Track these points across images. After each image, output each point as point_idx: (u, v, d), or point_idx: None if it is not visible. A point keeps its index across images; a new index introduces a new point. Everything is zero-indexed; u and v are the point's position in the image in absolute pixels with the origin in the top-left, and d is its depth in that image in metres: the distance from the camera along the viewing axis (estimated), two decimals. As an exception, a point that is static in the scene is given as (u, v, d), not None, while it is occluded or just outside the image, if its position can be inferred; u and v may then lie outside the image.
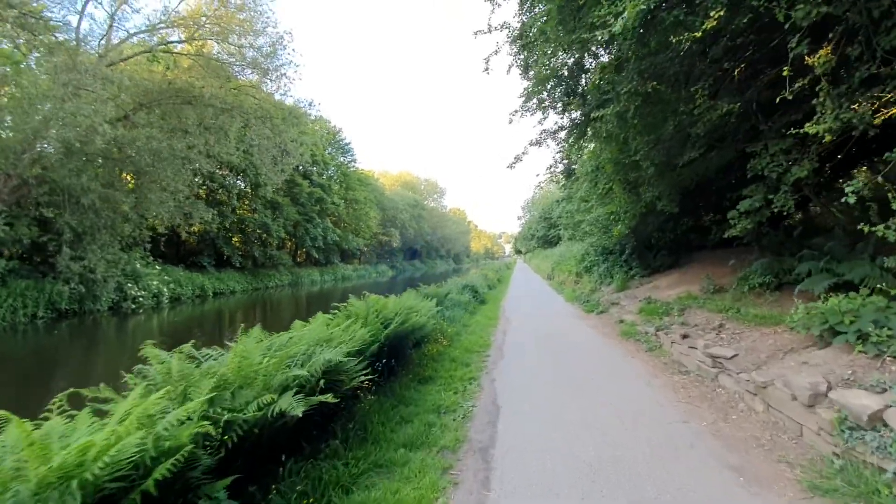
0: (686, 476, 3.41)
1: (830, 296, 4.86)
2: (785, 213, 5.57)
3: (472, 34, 8.13)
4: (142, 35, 21.86)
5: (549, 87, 8.98)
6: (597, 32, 4.59)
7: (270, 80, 23.53)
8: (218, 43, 23.01)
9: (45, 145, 17.49)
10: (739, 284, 7.84)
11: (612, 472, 3.53)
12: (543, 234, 49.18)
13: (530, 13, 8.05)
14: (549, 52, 7.33)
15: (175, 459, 2.24)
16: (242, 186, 34.57)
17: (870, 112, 3.83)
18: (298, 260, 46.00)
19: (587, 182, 13.44)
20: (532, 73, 8.86)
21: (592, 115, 6.62)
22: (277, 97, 25.01)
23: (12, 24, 15.88)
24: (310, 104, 33.10)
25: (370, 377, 4.55)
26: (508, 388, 5.87)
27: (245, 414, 2.85)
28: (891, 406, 3.11)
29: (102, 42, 21.15)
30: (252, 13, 22.55)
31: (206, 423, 2.50)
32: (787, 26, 3.94)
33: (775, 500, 3.05)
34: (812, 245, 6.99)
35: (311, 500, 3.02)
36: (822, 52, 3.90)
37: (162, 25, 21.94)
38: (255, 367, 3.11)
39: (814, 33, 4.03)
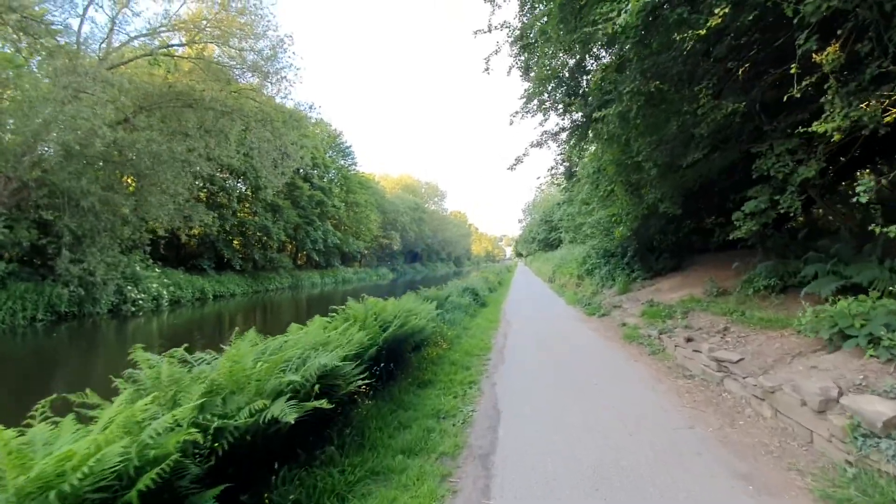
0: (693, 485, 3.30)
1: (839, 299, 4.75)
2: (791, 215, 5.46)
3: (472, 34, 8.07)
4: (143, 38, 21.88)
5: (549, 88, 8.91)
6: (599, 25, 4.49)
7: (271, 84, 23.55)
8: (219, 46, 23.02)
9: (46, 148, 17.48)
10: (744, 287, 7.73)
11: (615, 479, 3.42)
12: (544, 236, 49.03)
13: (531, 13, 7.98)
14: (549, 52, 7.25)
15: (160, 469, 2.14)
16: (243, 189, 34.57)
17: (880, 110, 3.73)
18: (299, 263, 45.94)
19: (588, 184, 13.35)
20: (533, 74, 8.79)
21: (594, 115, 6.53)
22: (278, 100, 25.02)
23: (14, 28, 15.92)
24: (310, 107, 33.20)
25: (368, 382, 4.44)
26: (509, 393, 5.76)
27: (236, 420, 2.75)
28: (906, 412, 3.00)
29: (103, 45, 21.17)
30: (253, 17, 22.59)
31: (194, 430, 2.40)
32: (795, 21, 3.84)
33: (786, 510, 2.95)
34: (818, 247, 6.89)
35: (304, 510, 2.92)
36: (830, 49, 3.81)
37: (163, 29, 21.97)
38: (248, 372, 3.01)
39: (822, 30, 3.94)
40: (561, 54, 7.38)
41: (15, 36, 16.39)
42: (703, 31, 4.21)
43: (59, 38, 17.64)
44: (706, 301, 8.48)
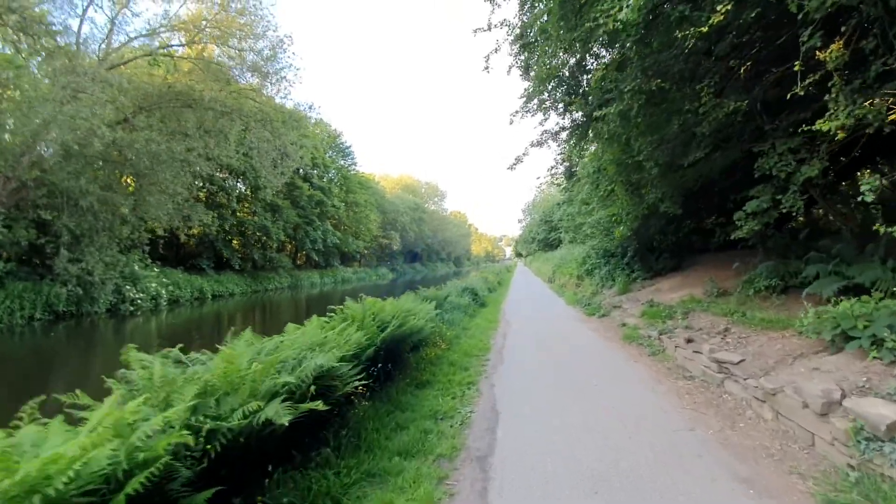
0: (693, 487, 3.25)
1: (841, 299, 4.70)
2: (794, 214, 5.41)
3: (472, 33, 8.02)
4: (142, 39, 21.89)
5: (550, 87, 8.87)
6: (601, 21, 4.44)
7: (270, 84, 23.53)
8: (218, 46, 23.01)
9: (45, 148, 17.45)
10: (744, 287, 7.68)
11: (615, 482, 3.37)
12: (544, 236, 48.99)
13: (531, 12, 7.94)
14: (549, 51, 7.21)
15: (150, 472, 2.09)
16: (242, 189, 34.54)
17: (885, 108, 3.69)
18: (298, 262, 45.91)
19: (588, 184, 13.31)
20: (533, 73, 8.75)
21: (595, 114, 6.49)
22: (278, 100, 25.00)
23: (14, 29, 15.89)
24: (310, 107, 33.16)
25: (365, 383, 4.39)
26: (508, 393, 5.71)
27: (230, 422, 2.70)
28: (910, 415, 2.96)
29: (103, 46, 21.17)
30: (252, 17, 22.58)
31: (185, 432, 2.36)
32: (799, 17, 3.80)
33: (789, 514, 2.90)
34: (819, 247, 6.84)
35: (299, 513, 2.87)
36: (833, 46, 3.76)
37: (162, 29, 21.96)
38: (242, 373, 2.96)
39: (826, 26, 3.90)
40: (561, 53, 7.33)
41: (15, 37, 16.39)
42: (705, 29, 4.17)
43: (58, 39, 17.63)
44: (706, 301, 8.44)
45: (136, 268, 21.72)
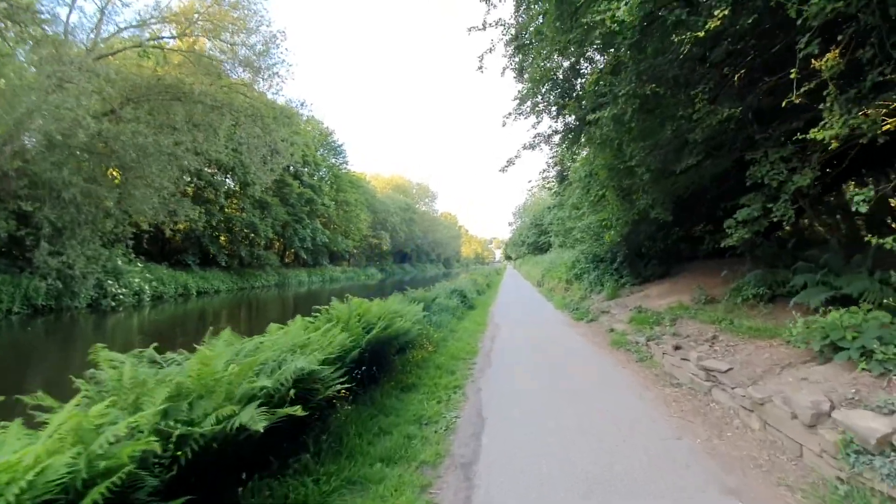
0: (682, 500, 3.19)
1: (830, 310, 4.69)
2: (783, 224, 5.40)
3: (466, 31, 7.94)
4: (132, 30, 21.52)
5: (543, 90, 8.82)
6: (598, 18, 4.38)
7: (262, 79, 23.32)
8: (210, 40, 22.71)
9: (29, 137, 17.03)
10: (732, 295, 7.69)
11: (602, 493, 3.29)
12: (534, 240, 49.07)
13: (527, 14, 7.88)
14: (544, 53, 7.16)
15: (111, 482, 1.97)
16: (231, 185, 34.12)
17: (880, 118, 3.66)
18: (286, 261, 45.53)
19: (579, 189, 13.28)
20: (527, 75, 8.69)
21: (588, 118, 6.43)
22: (269, 96, 24.77)
23: (1, 16, 15.49)
24: (302, 104, 32.76)
25: (348, 386, 4.28)
26: (495, 398, 5.62)
27: (202, 427, 2.57)
28: (901, 429, 2.92)
29: (91, 35, 20.77)
30: (246, 11, 22.35)
31: (152, 438, 2.23)
32: (799, 22, 3.76)
33: (777, 528, 2.84)
34: (806, 257, 6.86)
35: (273, 522, 2.75)
36: (829, 55, 3.74)
37: (153, 20, 21.61)
38: (217, 376, 2.83)
39: (823, 34, 3.87)
40: (556, 56, 7.29)
41: (2, 24, 15.99)
42: (701, 34, 4.12)
43: (46, 28, 17.26)
44: (694, 308, 8.43)
45: (119, 262, 21.34)
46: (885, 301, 4.58)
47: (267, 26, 22.55)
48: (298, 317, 5.09)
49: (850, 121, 3.75)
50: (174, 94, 20.39)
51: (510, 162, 9.95)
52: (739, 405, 4.59)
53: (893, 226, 8.07)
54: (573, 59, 7.84)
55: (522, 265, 53.39)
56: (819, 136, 3.91)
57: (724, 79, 5.77)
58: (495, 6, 7.69)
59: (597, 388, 6.03)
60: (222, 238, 33.68)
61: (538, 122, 9.60)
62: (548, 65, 7.74)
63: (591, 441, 4.24)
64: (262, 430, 2.50)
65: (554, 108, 9.11)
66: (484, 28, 7.81)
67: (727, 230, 6.19)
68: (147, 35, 21.52)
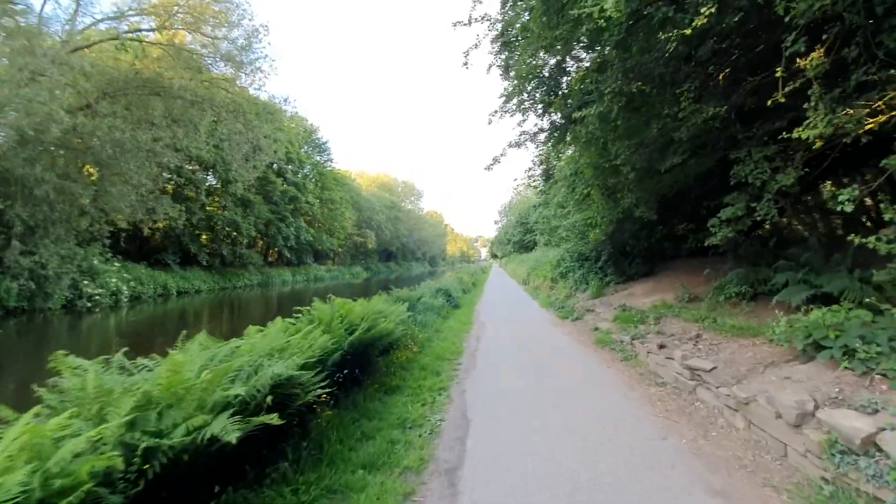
0: (667, 500, 3.16)
1: (812, 308, 4.71)
2: (767, 223, 5.42)
3: (451, 26, 7.83)
4: (109, 22, 20.93)
5: (529, 87, 8.76)
6: (586, 10, 4.31)
7: (245, 74, 22.90)
8: (191, 33, 22.20)
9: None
10: (715, 294, 7.73)
11: (587, 496, 3.24)
12: (520, 238, 49.21)
13: (513, 10, 7.81)
14: (530, 50, 7.09)
15: (68, 502, 1.83)
16: (212, 182, 33.48)
17: (864, 116, 3.67)
18: (270, 259, 44.93)
19: (565, 187, 13.29)
20: (513, 73, 8.63)
21: (574, 115, 6.39)
22: (252, 92, 24.32)
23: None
24: (285, 100, 32.37)
25: (330, 390, 4.16)
26: (480, 400, 5.55)
27: (171, 439, 2.44)
28: (885, 429, 2.91)
29: (67, 27, 20.14)
30: (227, 5, 21.92)
31: (114, 453, 2.10)
32: (786, 20, 3.74)
33: (764, 531, 2.81)
34: (788, 255, 6.91)
35: (248, 537, 2.63)
36: (814, 54, 3.73)
37: (131, 12, 21.06)
38: (188, 384, 2.69)
39: (808, 33, 3.86)
40: (542, 53, 7.23)
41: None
42: (688, 31, 4.09)
43: (20, 19, 16.67)
44: (678, 307, 8.47)
45: (96, 262, 20.77)
46: (864, 299, 4.61)
47: (249, 20, 22.16)
48: (278, 319, 4.95)
49: (835, 120, 3.75)
50: (153, 88, 19.90)
51: (496, 160, 9.90)
52: (724, 404, 4.59)
53: (869, 225, 8.21)
54: (559, 57, 7.79)
55: (508, 263, 53.53)
56: (804, 136, 3.90)
57: (709, 78, 5.76)
58: (481, 1, 7.58)
59: (582, 387, 6.00)
60: (203, 237, 33.05)
61: (524, 120, 9.56)
62: (534, 62, 7.69)
63: (576, 440, 4.23)
64: (234, 442, 2.38)
65: (540, 106, 9.07)
66: (469, 23, 7.73)
67: (711, 229, 6.20)
68: (125, 27, 20.98)
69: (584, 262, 15.57)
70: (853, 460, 2.91)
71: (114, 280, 21.57)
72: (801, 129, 3.95)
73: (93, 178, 19.91)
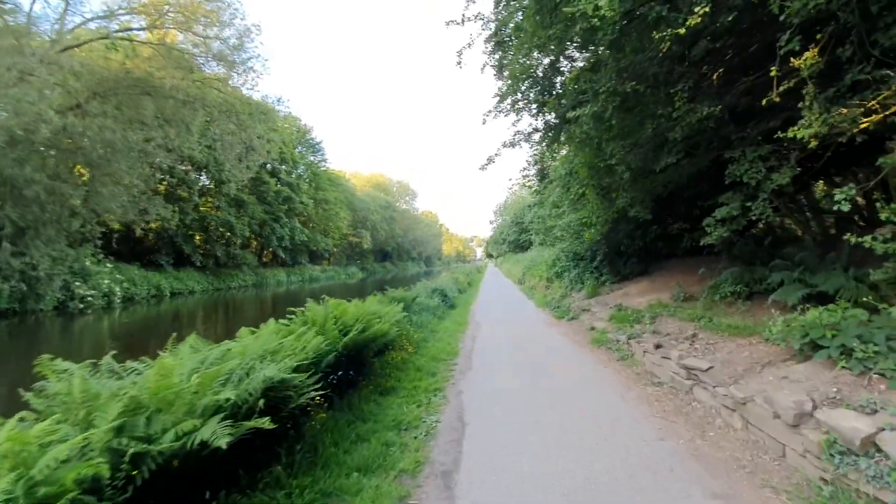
0: (666, 502, 3.13)
1: (808, 307, 4.71)
2: (762, 222, 5.42)
3: (444, 25, 7.78)
4: (99, 21, 20.70)
5: (523, 87, 8.73)
6: (580, 7, 4.27)
7: (237, 74, 22.74)
8: (182, 33, 22.02)
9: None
10: (710, 293, 7.73)
11: (583, 496, 3.21)
12: (515, 238, 49.22)
13: (506, 9, 7.77)
14: (524, 50, 7.06)
15: (51, 511, 1.77)
16: (206, 182, 33.25)
17: (860, 116, 3.66)
18: (264, 260, 44.68)
19: (559, 187, 13.28)
20: (507, 73, 8.60)
21: (568, 115, 6.37)
22: (244, 92, 24.15)
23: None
24: (278, 100, 32.21)
25: (324, 393, 4.10)
26: (476, 401, 5.50)
27: (160, 444, 2.38)
28: (884, 429, 2.89)
29: (56, 26, 19.91)
30: (219, 4, 21.75)
31: (100, 460, 2.04)
32: (781, 18, 3.73)
33: (764, 533, 2.79)
34: (783, 254, 6.93)
35: (240, 543, 2.57)
36: (808, 53, 3.71)
37: (122, 11, 20.84)
38: (177, 388, 2.63)
39: (802, 32, 3.85)
40: (535, 52, 7.20)
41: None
42: (682, 31, 4.06)
43: (8, 18, 16.47)
44: (673, 306, 8.46)
45: (87, 263, 20.58)
46: (860, 298, 4.61)
47: (241, 19, 22.01)
48: (271, 320, 4.89)
49: (830, 119, 3.74)
50: (144, 88, 19.72)
51: (490, 160, 9.86)
52: (721, 404, 4.57)
53: (862, 224, 8.24)
54: (553, 57, 7.76)
55: (503, 263, 53.55)
56: (799, 135, 3.89)
57: (703, 78, 5.76)
58: (475, 1, 7.55)
59: (578, 386, 5.97)
60: (197, 237, 32.82)
61: (518, 120, 9.55)
62: (527, 62, 7.66)
63: (572, 439, 4.23)
64: (224, 447, 2.32)
65: (534, 106, 9.05)
66: (462, 23, 7.68)
67: (706, 229, 6.19)
68: (115, 26, 20.75)
69: (579, 262, 15.57)
70: (853, 461, 2.89)
71: (106, 281, 21.37)
72: (796, 128, 3.94)
73: (84, 178, 19.70)
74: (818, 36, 3.92)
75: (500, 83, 9.09)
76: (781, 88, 4.04)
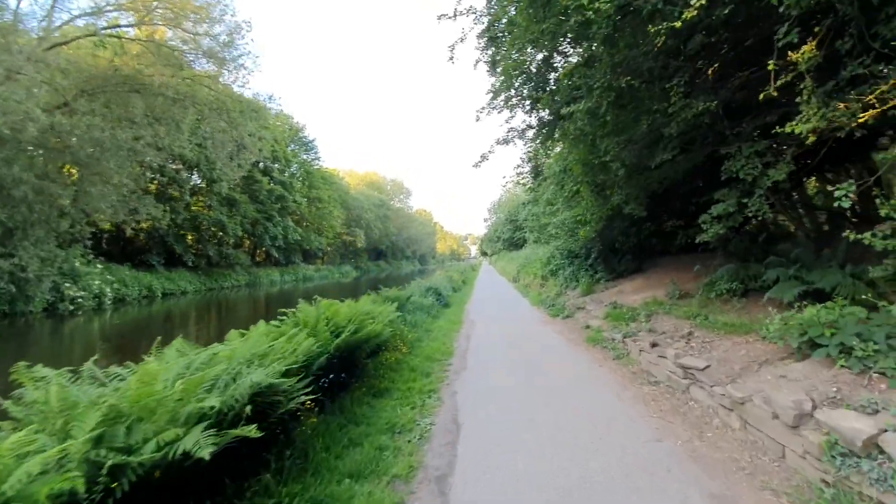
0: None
1: (805, 305, 4.66)
2: (758, 218, 5.37)
3: (437, 18, 7.67)
4: (87, 17, 20.36)
5: (516, 84, 8.65)
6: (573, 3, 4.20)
7: (228, 71, 22.46)
8: (171, 29, 21.72)
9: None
10: (705, 290, 7.69)
11: (580, 496, 3.15)
12: (509, 236, 49.26)
13: (498, 4, 7.67)
14: (517, 44, 6.97)
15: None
16: (197, 181, 32.94)
17: (859, 110, 3.60)
18: (258, 260, 44.40)
19: (554, 184, 13.24)
20: (499, 69, 8.51)
21: (562, 111, 6.29)
22: (235, 89, 23.89)
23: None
24: (270, 98, 31.92)
25: (315, 396, 4.00)
26: (470, 402, 5.42)
27: (140, 455, 2.27)
28: (887, 430, 2.83)
29: (43, 23, 19.58)
30: (208, 0, 21.43)
31: (75, 473, 1.93)
32: (781, 9, 3.66)
33: (765, 537, 2.72)
34: (778, 251, 6.89)
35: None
36: (806, 47, 3.65)
37: (109, 8, 20.49)
38: (158, 396, 2.52)
39: (801, 24, 3.78)
40: (529, 48, 7.11)
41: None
42: (678, 24, 3.99)
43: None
44: (669, 304, 8.42)
45: (77, 264, 20.30)
46: (857, 296, 4.57)
47: (232, 16, 21.75)
48: (261, 322, 4.78)
49: (829, 114, 3.68)
50: (132, 85, 19.43)
51: (483, 157, 9.79)
52: (719, 404, 4.51)
53: (854, 220, 8.23)
54: (546, 53, 7.68)
55: (498, 261, 53.53)
56: (798, 130, 3.83)
57: (699, 73, 5.69)
58: (467, -4, 7.43)
59: (575, 388, 5.89)
60: (189, 237, 32.50)
61: (512, 117, 9.44)
62: (521, 57, 7.57)
63: (567, 437, 4.22)
64: (207, 458, 2.22)
65: (528, 103, 8.97)
66: (455, 17, 7.58)
67: (702, 225, 6.14)
68: (103, 23, 20.43)
69: (573, 260, 15.53)
70: (855, 463, 2.84)
71: (96, 282, 21.11)
72: (794, 122, 3.87)
73: (73, 178, 19.41)
74: (816, 29, 3.85)
75: (493, 79, 9.01)
76: (779, 83, 3.98)
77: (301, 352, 4.02)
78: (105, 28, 20.15)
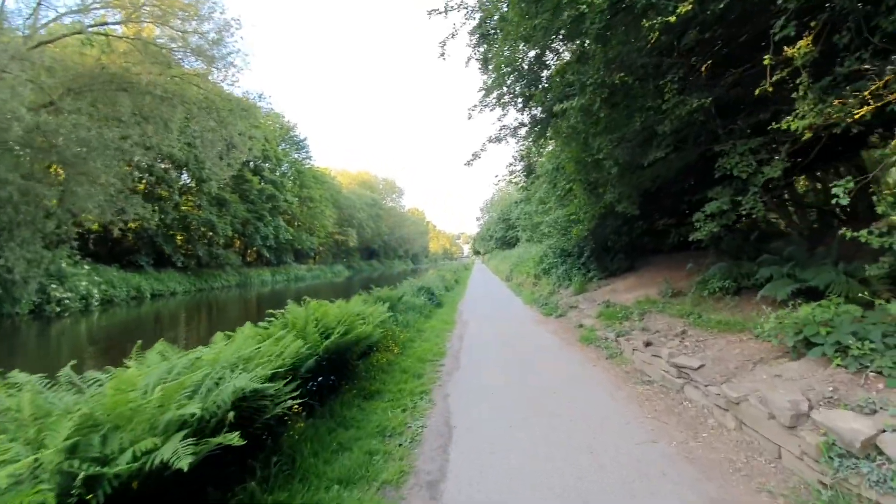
0: (660, 508, 3.00)
1: (799, 303, 4.62)
2: (754, 216, 5.32)
3: (427, 14, 7.57)
4: (74, 15, 20.03)
5: (509, 81, 8.58)
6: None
7: (217, 69, 22.17)
8: (159, 27, 21.41)
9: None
10: (698, 288, 7.66)
11: (575, 495, 3.09)
12: (502, 235, 49.24)
13: (490, 1, 7.60)
14: (509, 41, 6.90)
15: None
16: (186, 181, 32.57)
17: (857, 106, 3.55)
18: (248, 260, 44.02)
19: (546, 183, 13.18)
20: (491, 66, 8.44)
21: (555, 109, 6.21)
22: (225, 88, 23.62)
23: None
24: (260, 96, 31.66)
25: (303, 400, 3.90)
26: (463, 404, 5.34)
27: (116, 466, 2.17)
28: (885, 431, 2.79)
29: (29, 21, 19.22)
30: (197, -3, 21.15)
31: (46, 487, 1.82)
32: (779, 2, 3.61)
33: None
34: (770, 249, 6.87)
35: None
36: (801, 42, 3.60)
37: (96, 5, 20.17)
38: (134, 404, 2.41)
39: (797, 18, 3.74)
40: (521, 45, 7.04)
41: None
42: (672, 19, 3.93)
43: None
44: (662, 302, 8.40)
45: (64, 265, 19.96)
46: (851, 294, 4.54)
47: (220, 13, 21.48)
48: (247, 324, 4.66)
49: (826, 110, 3.63)
50: (120, 84, 19.12)
51: (475, 156, 9.72)
52: (713, 404, 4.47)
53: (844, 218, 8.25)
54: (539, 49, 7.61)
55: (490, 260, 53.54)
56: (793, 126, 3.78)
57: (692, 69, 5.65)
58: (459, -9, 7.35)
59: (569, 388, 5.82)
60: (178, 237, 32.12)
61: (504, 115, 9.38)
62: (513, 54, 7.49)
63: (560, 437, 4.21)
64: (185, 469, 2.11)
65: (520, 100, 8.90)
66: (445, 13, 7.48)
67: (696, 224, 6.09)
68: (90, 21, 20.10)
69: (566, 258, 15.49)
70: (853, 464, 2.79)
71: (84, 283, 20.79)
72: (790, 118, 3.83)
73: (60, 178, 19.07)
74: (812, 24, 3.80)
75: (485, 77, 8.93)
76: (774, 78, 3.93)
77: (288, 354, 3.92)
78: (92, 26, 19.82)
